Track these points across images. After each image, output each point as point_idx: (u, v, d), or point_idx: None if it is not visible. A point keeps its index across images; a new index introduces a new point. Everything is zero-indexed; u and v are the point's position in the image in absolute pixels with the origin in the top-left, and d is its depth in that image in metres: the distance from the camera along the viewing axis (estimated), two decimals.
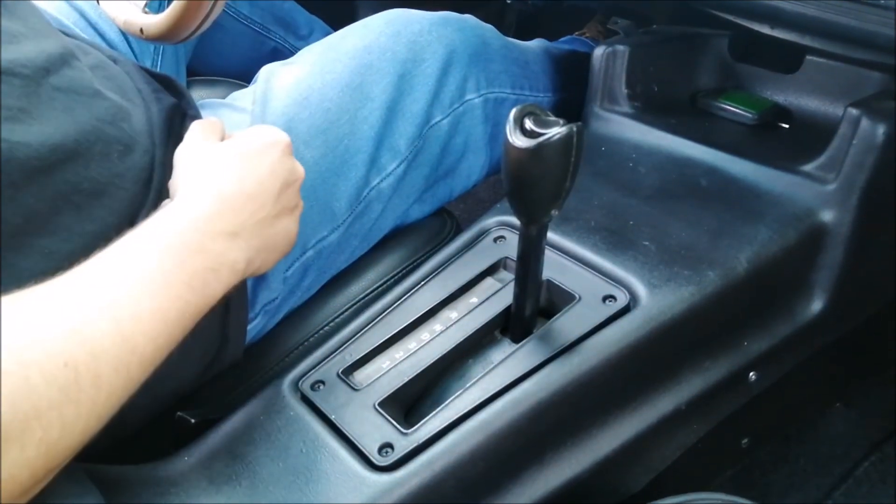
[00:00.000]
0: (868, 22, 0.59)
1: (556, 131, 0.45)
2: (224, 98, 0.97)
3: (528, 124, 0.47)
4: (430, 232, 0.76)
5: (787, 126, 0.80)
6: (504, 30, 1.42)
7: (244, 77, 1.05)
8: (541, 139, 0.45)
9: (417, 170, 0.73)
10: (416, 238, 0.74)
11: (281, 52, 1.13)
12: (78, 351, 0.37)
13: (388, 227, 0.73)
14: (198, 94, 0.97)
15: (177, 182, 0.52)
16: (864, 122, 0.62)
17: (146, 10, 0.70)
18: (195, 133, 0.57)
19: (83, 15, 0.81)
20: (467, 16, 0.82)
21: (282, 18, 1.13)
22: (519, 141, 0.46)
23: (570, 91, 0.89)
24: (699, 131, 0.76)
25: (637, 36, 0.83)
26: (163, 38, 0.65)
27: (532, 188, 0.48)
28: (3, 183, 0.46)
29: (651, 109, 0.80)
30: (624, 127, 0.78)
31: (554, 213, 0.50)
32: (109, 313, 0.40)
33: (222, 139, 0.56)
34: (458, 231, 0.78)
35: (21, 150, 0.47)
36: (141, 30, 0.67)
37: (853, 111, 0.63)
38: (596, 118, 0.80)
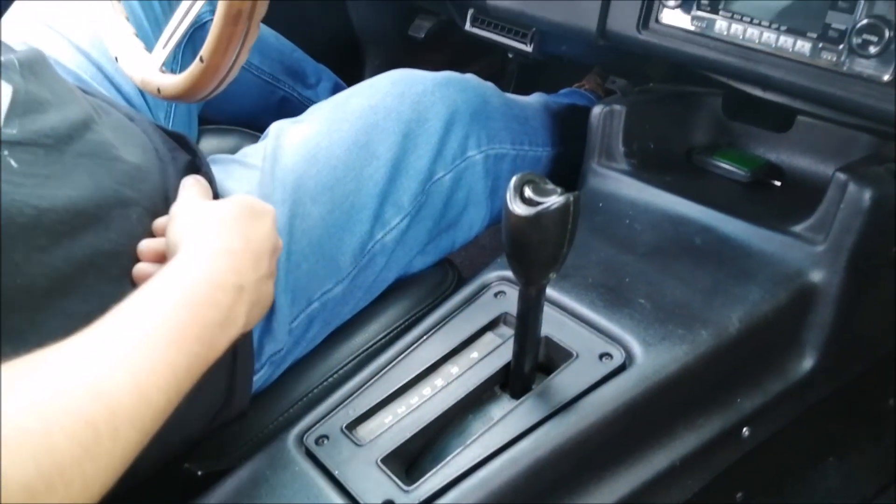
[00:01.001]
0: (854, 93, 0.62)
1: (554, 200, 0.47)
2: (234, 148, 1.00)
3: (528, 192, 0.49)
4: (432, 283, 0.78)
5: (779, 184, 0.83)
6: (505, 82, 1.46)
7: (254, 125, 1.08)
8: (539, 208, 0.47)
9: (420, 223, 0.75)
10: (418, 289, 0.76)
11: (290, 101, 1.16)
12: (98, 408, 0.39)
13: (392, 278, 0.75)
14: (209, 144, 1.00)
15: (178, 237, 0.53)
16: (851, 187, 0.65)
17: (163, 68, 0.73)
18: (192, 192, 0.60)
19: (100, 69, 0.84)
20: (469, 75, 0.85)
21: (291, 68, 1.17)
22: (519, 209, 0.48)
23: (569, 144, 0.92)
24: (694, 189, 0.79)
25: (634, 95, 0.86)
26: (179, 98, 0.68)
27: (531, 253, 0.50)
28: (31, 247, 0.48)
29: (647, 166, 0.83)
30: (621, 184, 0.80)
31: (552, 275, 0.52)
32: (127, 367, 0.41)
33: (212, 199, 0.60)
34: (460, 282, 0.80)
35: (48, 216, 0.49)
36: (158, 90, 0.70)
37: (841, 176, 0.66)
38: (594, 174, 0.82)
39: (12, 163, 0.50)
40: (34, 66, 0.57)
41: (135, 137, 0.66)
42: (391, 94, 0.76)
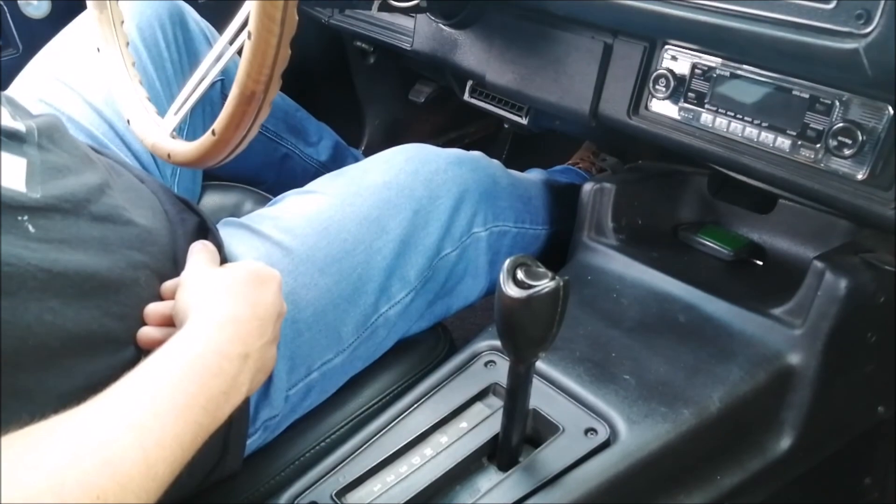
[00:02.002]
0: (830, 188, 0.65)
1: (545, 284, 0.50)
2: (237, 203, 1.03)
3: (520, 275, 0.52)
4: (425, 348, 0.80)
5: (760, 263, 0.86)
6: (499, 146, 1.51)
7: (256, 181, 1.12)
8: (531, 291, 0.50)
9: (423, 296, 0.78)
10: (411, 355, 0.78)
11: (291, 158, 1.20)
12: (110, 483, 0.40)
13: (390, 346, 0.77)
14: (212, 199, 1.03)
15: (186, 306, 0.55)
16: (828, 276, 0.68)
17: (174, 133, 0.76)
18: (200, 258, 0.62)
19: (112, 127, 0.87)
20: (479, 155, 0.88)
21: (293, 126, 1.21)
22: (511, 291, 0.51)
23: (567, 222, 0.95)
24: (679, 266, 0.82)
25: (623, 173, 0.90)
26: (189, 166, 0.70)
27: (522, 332, 0.53)
28: (42, 310, 0.50)
29: (635, 242, 0.86)
30: (609, 258, 0.84)
31: (541, 354, 0.54)
32: (138, 442, 0.43)
33: (220, 264, 0.62)
34: (452, 347, 0.82)
35: (60, 280, 0.51)
36: (169, 155, 0.73)
37: (818, 264, 0.69)
38: (584, 248, 0.86)
39: (30, 228, 0.52)
40: (52, 134, 0.60)
41: (145, 200, 0.68)
42: (405, 170, 0.79)
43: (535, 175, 1.07)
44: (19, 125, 0.57)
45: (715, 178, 0.91)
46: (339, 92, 1.41)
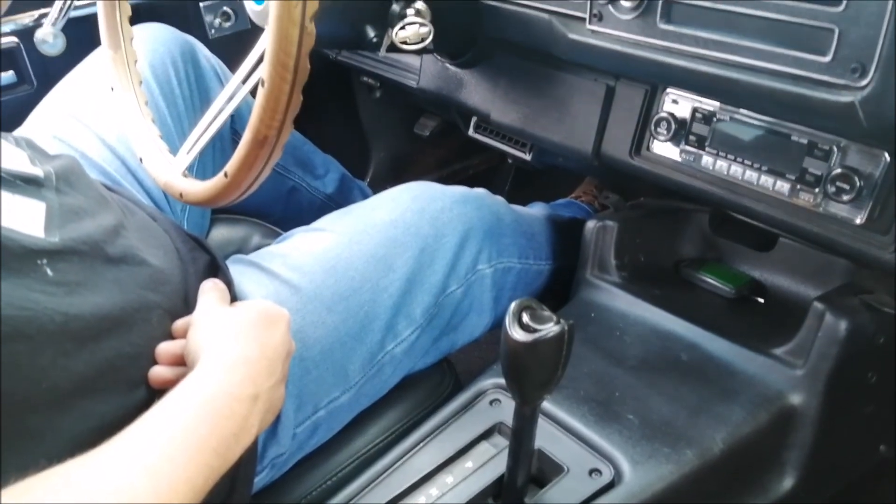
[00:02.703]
0: (830, 231, 0.67)
1: (550, 328, 0.51)
2: (244, 237, 1.04)
3: (526, 318, 0.53)
4: (430, 384, 0.81)
5: (762, 301, 0.87)
6: (501, 178, 1.53)
7: (263, 213, 1.13)
8: (536, 335, 0.51)
9: (429, 333, 0.79)
10: (417, 391, 0.79)
11: (298, 191, 1.21)
12: None
13: (395, 383, 0.78)
14: (220, 233, 1.04)
15: (197, 347, 0.55)
16: (828, 318, 0.69)
17: (186, 172, 0.77)
18: (210, 297, 0.63)
19: (125, 163, 0.89)
20: (483, 192, 0.90)
21: (300, 159, 1.22)
22: (517, 335, 0.52)
23: (570, 257, 0.96)
24: (681, 303, 0.83)
25: (625, 210, 0.91)
26: (201, 205, 0.72)
27: (527, 375, 0.54)
28: (57, 352, 0.51)
29: (638, 279, 0.87)
30: (612, 295, 0.85)
31: (546, 396, 0.55)
32: (152, 487, 0.43)
33: (230, 303, 0.63)
34: (457, 383, 0.83)
35: (75, 323, 0.52)
36: (181, 194, 0.74)
37: (818, 306, 0.70)
38: (587, 285, 0.87)
39: (49, 272, 0.53)
40: (69, 177, 0.61)
41: (158, 239, 0.70)
42: (411, 209, 0.81)
43: (538, 210, 1.09)
44: (38, 170, 0.59)
45: (716, 215, 0.92)
46: (346, 125, 1.43)
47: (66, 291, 0.53)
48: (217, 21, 1.21)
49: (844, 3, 0.52)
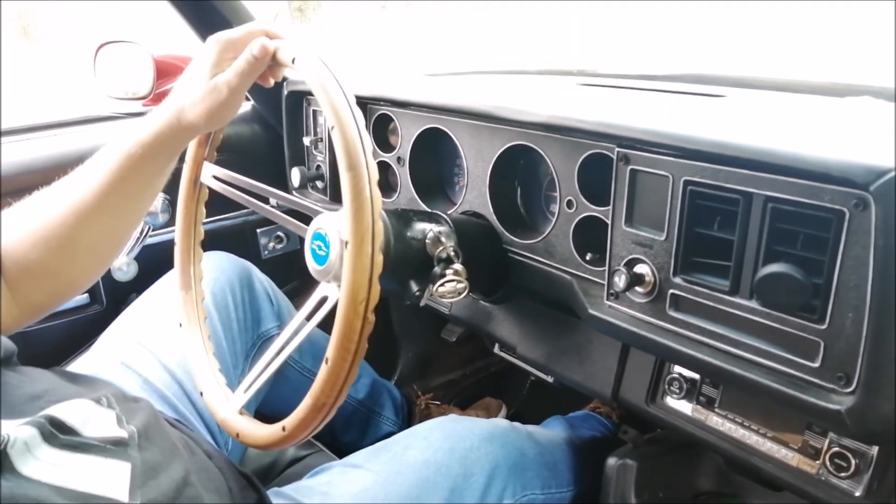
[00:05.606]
0: (833, 498, 0.72)
1: None
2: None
3: None
4: None
5: None
6: (520, 379, 1.59)
7: None
8: None
9: None
10: None
11: None
12: None
13: None
14: None
15: None
16: None
17: (243, 410, 0.85)
18: None
19: (185, 391, 0.97)
20: (507, 427, 0.97)
21: None
22: None
23: (591, 480, 1.01)
24: None
25: (644, 446, 0.97)
26: (255, 448, 0.79)
27: None
28: None
29: None
30: None
31: None
32: None
33: None
34: None
35: None
36: (237, 434, 0.82)
37: None
38: None
39: None
40: (149, 432, 0.69)
41: (214, 481, 0.77)
42: (442, 448, 0.88)
43: (558, 431, 1.15)
44: (123, 432, 0.67)
45: (730, 454, 0.98)
46: (377, 327, 1.53)
47: None
48: (271, 244, 1.35)
49: (828, 320, 0.61)
